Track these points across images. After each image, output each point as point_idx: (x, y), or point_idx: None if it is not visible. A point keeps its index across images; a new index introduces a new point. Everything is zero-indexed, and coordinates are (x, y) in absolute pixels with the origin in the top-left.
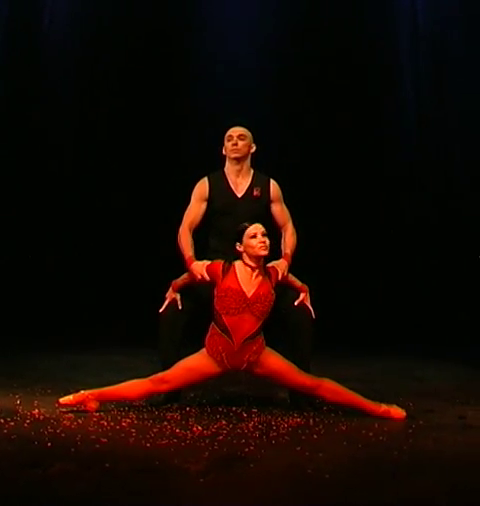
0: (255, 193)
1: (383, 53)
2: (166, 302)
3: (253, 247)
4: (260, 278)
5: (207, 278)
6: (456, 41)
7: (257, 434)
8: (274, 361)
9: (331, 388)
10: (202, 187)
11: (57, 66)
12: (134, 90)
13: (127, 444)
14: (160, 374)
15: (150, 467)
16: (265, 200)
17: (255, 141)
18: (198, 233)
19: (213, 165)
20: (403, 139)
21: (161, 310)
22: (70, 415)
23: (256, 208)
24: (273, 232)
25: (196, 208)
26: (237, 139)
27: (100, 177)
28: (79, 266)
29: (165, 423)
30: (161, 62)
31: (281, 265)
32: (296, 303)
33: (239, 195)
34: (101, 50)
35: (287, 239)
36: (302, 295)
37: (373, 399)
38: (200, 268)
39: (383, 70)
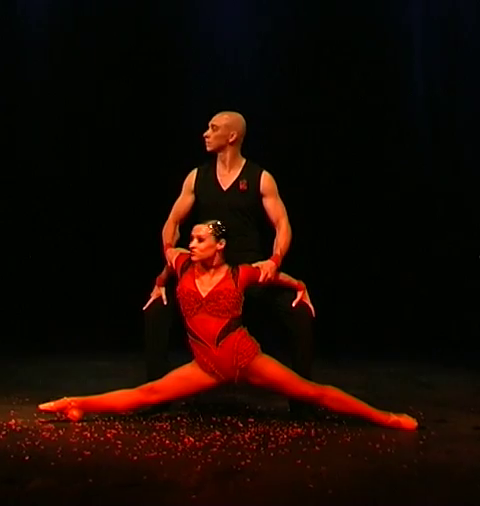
0: (241, 186)
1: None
2: (151, 299)
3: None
4: (220, 276)
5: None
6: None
7: (254, 446)
8: (272, 370)
9: (336, 397)
10: (190, 179)
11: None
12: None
13: (112, 457)
14: (150, 384)
15: (137, 482)
16: (253, 194)
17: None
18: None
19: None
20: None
21: (145, 308)
22: (50, 426)
23: (242, 202)
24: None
25: (183, 200)
26: (210, 129)
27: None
28: (59, 269)
29: (154, 434)
30: (150, 49)
31: (266, 266)
32: (294, 304)
33: (224, 188)
34: (85, 43)
35: (279, 239)
36: (299, 294)
37: (379, 408)
38: (172, 255)
39: (390, 54)
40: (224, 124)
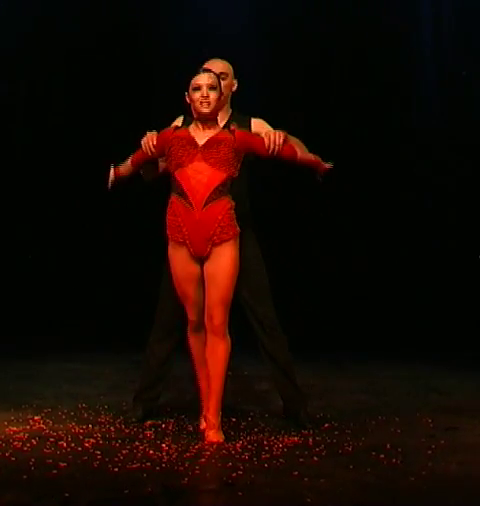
0: (231, 128)
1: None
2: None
3: (194, 101)
4: (216, 130)
5: (153, 148)
6: None
7: (246, 456)
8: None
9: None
10: (176, 124)
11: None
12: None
13: (91, 469)
14: None
15: (118, 496)
16: None
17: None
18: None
19: None
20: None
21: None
22: (22, 435)
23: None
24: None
25: None
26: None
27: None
28: (31, 266)
29: (136, 443)
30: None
31: (273, 134)
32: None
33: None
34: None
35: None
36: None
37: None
38: (150, 135)
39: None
40: (230, 71)
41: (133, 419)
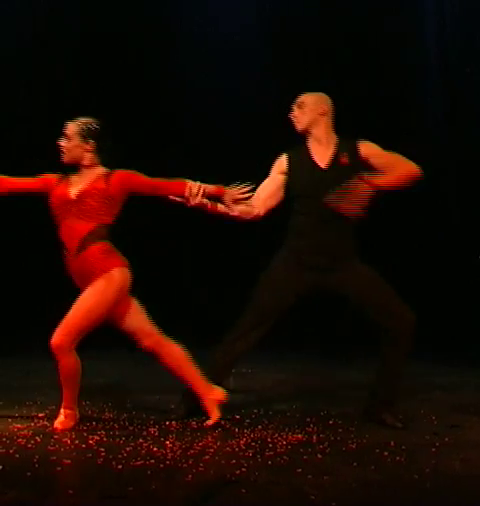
0: (342, 160)
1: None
2: None
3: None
4: (92, 177)
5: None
6: None
7: (250, 453)
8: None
9: (173, 353)
10: (280, 163)
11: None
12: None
13: (95, 466)
14: None
15: (122, 493)
16: (355, 166)
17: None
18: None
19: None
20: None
21: None
22: (26, 432)
23: (344, 177)
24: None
25: (268, 183)
26: (296, 109)
27: None
28: (34, 262)
29: (140, 440)
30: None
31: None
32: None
33: (323, 166)
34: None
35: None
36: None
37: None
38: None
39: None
40: (310, 99)
41: (173, 416)
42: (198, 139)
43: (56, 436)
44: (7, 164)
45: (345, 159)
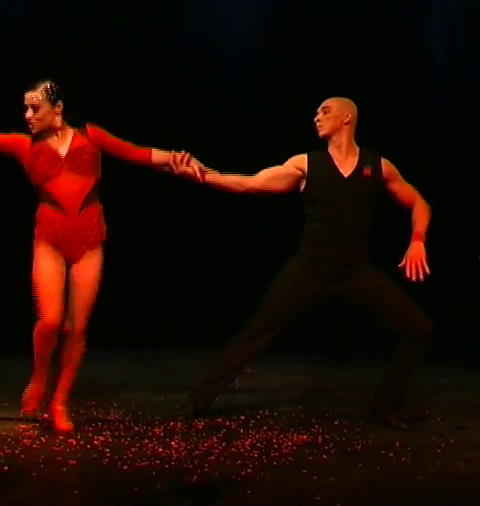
0: (366, 172)
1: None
2: None
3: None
4: (70, 137)
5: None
6: None
7: (255, 454)
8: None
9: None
10: (301, 161)
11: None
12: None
13: (100, 467)
14: None
15: (128, 494)
16: (377, 180)
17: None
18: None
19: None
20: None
21: None
22: (31, 433)
23: (366, 189)
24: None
25: (282, 167)
26: (321, 113)
27: None
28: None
29: (145, 441)
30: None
31: (416, 250)
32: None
33: (346, 175)
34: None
35: (419, 214)
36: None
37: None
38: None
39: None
40: (336, 105)
41: (180, 417)
42: (200, 139)
43: (61, 437)
44: None
45: (368, 171)
